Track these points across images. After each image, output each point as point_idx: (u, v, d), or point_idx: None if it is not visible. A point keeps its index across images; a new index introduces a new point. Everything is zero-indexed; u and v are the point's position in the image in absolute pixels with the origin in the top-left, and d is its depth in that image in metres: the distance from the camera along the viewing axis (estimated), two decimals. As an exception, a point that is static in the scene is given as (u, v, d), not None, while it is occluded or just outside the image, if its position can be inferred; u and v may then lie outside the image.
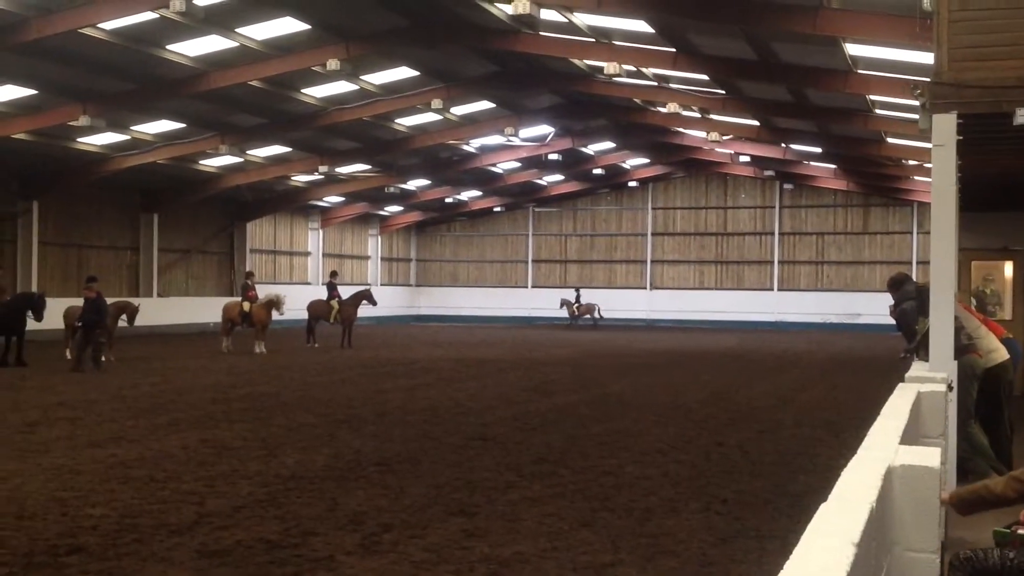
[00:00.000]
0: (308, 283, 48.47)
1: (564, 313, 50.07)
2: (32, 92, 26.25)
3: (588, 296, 51.13)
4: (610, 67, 24.16)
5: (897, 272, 12.31)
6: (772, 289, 52.23)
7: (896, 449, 3.29)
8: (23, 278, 33.76)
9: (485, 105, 33.84)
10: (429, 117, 34.15)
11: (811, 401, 18.04)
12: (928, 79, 8.01)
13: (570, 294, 50.95)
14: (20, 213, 34.28)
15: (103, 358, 22.51)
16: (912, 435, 4.83)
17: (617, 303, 54.00)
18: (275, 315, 28.92)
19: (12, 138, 28.73)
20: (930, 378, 6.65)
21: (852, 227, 51.12)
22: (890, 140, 30.83)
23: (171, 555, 7.08)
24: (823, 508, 2.35)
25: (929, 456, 3.19)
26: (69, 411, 14.95)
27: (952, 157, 7.83)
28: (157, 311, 37.71)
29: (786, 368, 25.47)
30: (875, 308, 47.11)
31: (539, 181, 50.52)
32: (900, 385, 6.30)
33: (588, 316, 49.17)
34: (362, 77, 28.35)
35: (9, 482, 9.55)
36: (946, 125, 7.82)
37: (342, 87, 29.12)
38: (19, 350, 22.90)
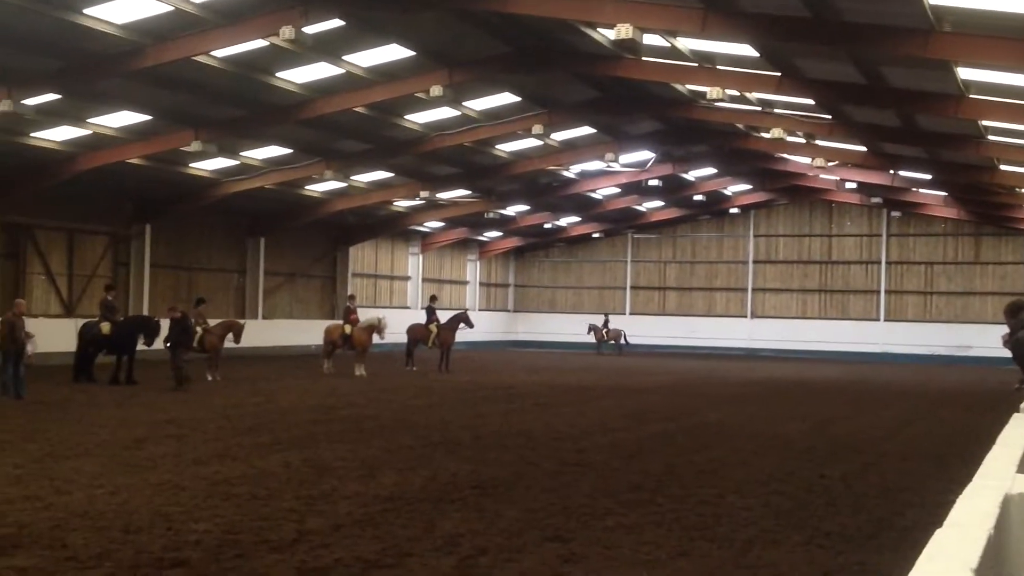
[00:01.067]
0: (407, 307, 48.99)
1: (592, 339, 49.90)
2: (147, 118, 27.15)
3: (616, 322, 50.99)
4: (713, 92, 23.95)
5: (1016, 299, 11.86)
6: (878, 319, 51.01)
7: (1013, 478, 3.16)
8: (135, 299, 34.84)
9: (585, 131, 33.88)
10: (529, 143, 34.32)
11: (918, 434, 17.52)
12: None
13: (599, 319, 50.92)
14: (134, 236, 35.41)
15: (189, 376, 22.74)
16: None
17: (717, 332, 53.36)
18: (375, 339, 29.28)
19: (127, 163, 29.73)
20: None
21: (963, 256, 49.68)
22: (1003, 167, 29.91)
23: (271, 571, 7.18)
24: (938, 534, 2.27)
25: (1048, 487, 3.05)
26: (175, 429, 15.33)
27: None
28: (262, 333, 38.52)
29: (892, 400, 24.80)
30: (986, 340, 45.66)
31: (638, 207, 50.31)
32: (1015, 415, 6.08)
33: (614, 342, 49.06)
34: (464, 103, 28.66)
35: (117, 496, 9.82)
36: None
37: (444, 113, 29.47)
38: (129, 369, 23.59)
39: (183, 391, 21.81)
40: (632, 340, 53.95)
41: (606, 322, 50.08)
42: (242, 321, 27.76)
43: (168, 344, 23.01)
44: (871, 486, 11.69)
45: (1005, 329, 10.98)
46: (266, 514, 9.12)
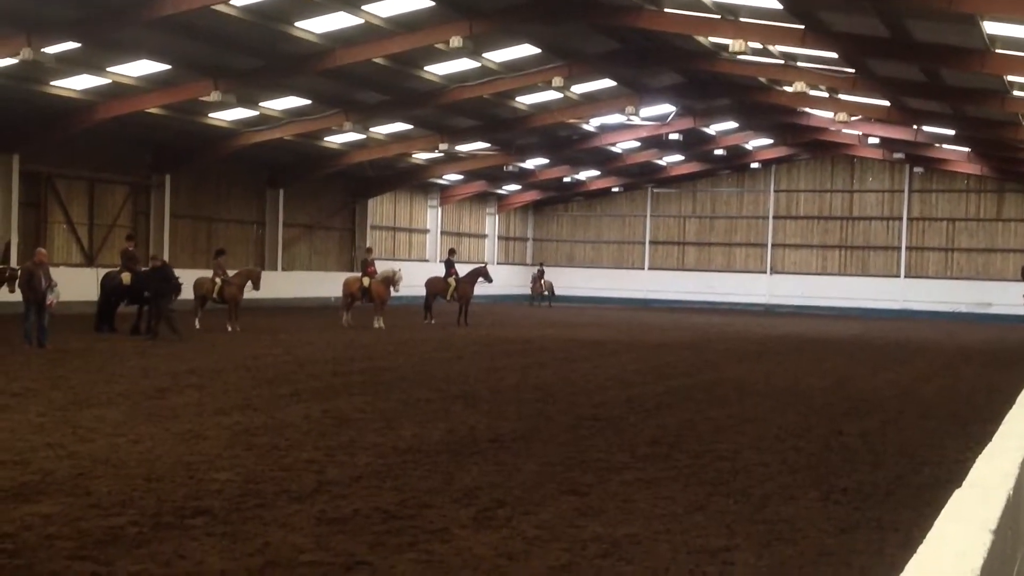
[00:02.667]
0: (426, 260, 49.06)
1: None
2: (166, 67, 27.09)
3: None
4: (736, 44, 23.69)
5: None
6: (899, 276, 50.78)
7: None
8: (155, 249, 34.94)
9: (606, 83, 33.62)
10: (549, 95, 34.10)
11: (937, 392, 17.48)
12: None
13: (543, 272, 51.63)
14: (154, 186, 35.50)
15: (176, 328, 22.42)
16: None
17: (736, 287, 53.26)
18: (393, 292, 29.35)
19: (147, 112, 29.74)
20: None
21: (985, 213, 49.28)
22: (1029, 123, 29.57)
23: (292, 521, 7.25)
24: (957, 494, 2.26)
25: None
26: (197, 379, 15.45)
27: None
28: (281, 284, 38.69)
29: (912, 358, 24.74)
30: (1008, 298, 45.49)
31: (658, 161, 50.01)
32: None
33: (548, 293, 49.78)
34: (483, 55, 28.46)
35: (140, 445, 9.92)
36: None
37: (464, 64, 29.28)
38: (149, 319, 23.70)
39: (179, 340, 21.72)
40: (651, 295, 53.97)
41: (541, 273, 50.64)
42: (259, 267, 27.79)
43: (148, 295, 22.83)
44: (889, 443, 11.68)
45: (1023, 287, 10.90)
46: (287, 464, 9.20)
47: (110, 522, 7.07)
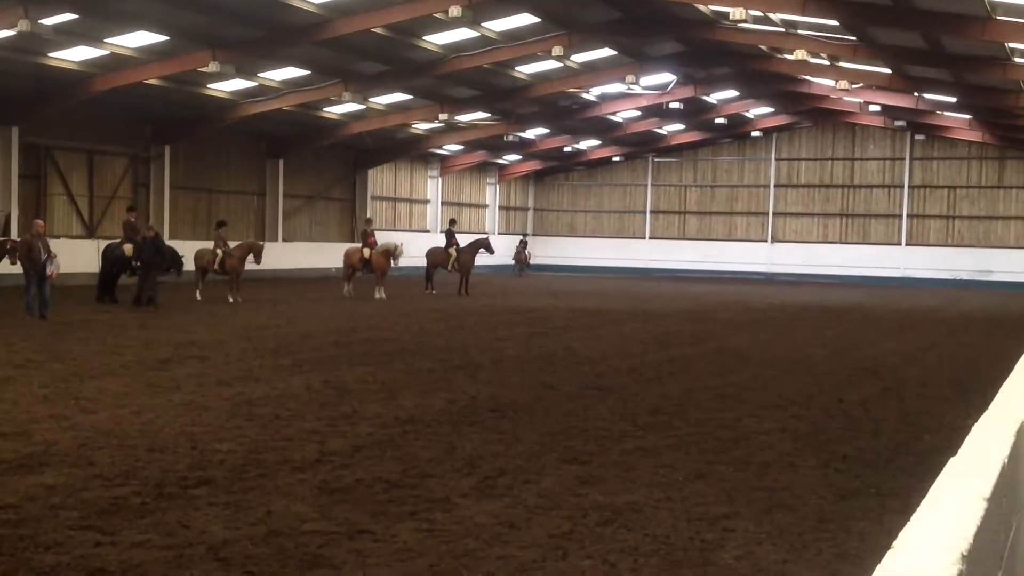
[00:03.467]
0: (427, 231, 49.00)
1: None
2: (164, 38, 26.93)
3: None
4: (736, 12, 23.54)
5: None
6: (900, 244, 50.72)
7: (1033, 407, 3.17)
8: (155, 221, 34.88)
9: (606, 52, 33.45)
10: (549, 65, 33.93)
11: (938, 360, 17.52)
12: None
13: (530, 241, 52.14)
14: (153, 157, 35.42)
15: (154, 299, 22.57)
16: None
17: (737, 256, 53.22)
18: (393, 264, 29.35)
19: (145, 83, 29.61)
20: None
21: (986, 180, 49.16)
22: (1031, 90, 29.45)
23: (294, 490, 7.29)
24: (952, 462, 2.28)
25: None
26: (199, 350, 15.48)
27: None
28: (282, 255, 38.67)
29: (913, 325, 24.77)
30: (1009, 265, 45.53)
31: (659, 130, 49.83)
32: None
33: (527, 264, 49.55)
34: (483, 24, 28.29)
35: (143, 416, 9.96)
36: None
37: (463, 34, 29.11)
38: (149, 290, 23.71)
39: (146, 311, 21.77)
40: (652, 264, 54.00)
41: (524, 243, 50.59)
42: (261, 242, 27.80)
43: (138, 263, 22.87)
44: (890, 410, 11.72)
45: None
46: (288, 435, 9.24)
47: (113, 492, 7.11)
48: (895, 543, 1.59)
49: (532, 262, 50.75)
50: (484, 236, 34.16)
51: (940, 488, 2.01)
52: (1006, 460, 2.26)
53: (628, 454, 8.84)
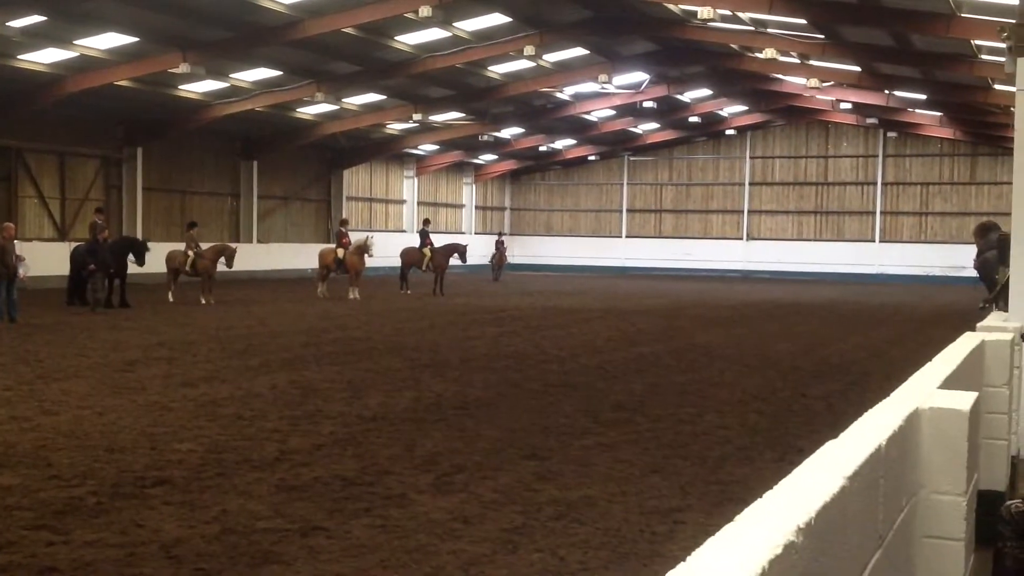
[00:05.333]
0: (403, 231, 49.00)
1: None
2: (134, 39, 26.86)
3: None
4: (704, 11, 23.73)
5: (986, 219, 11.96)
6: (873, 241, 51.07)
7: (933, 393, 3.26)
8: (128, 223, 34.84)
9: (579, 52, 33.56)
10: (522, 64, 34.02)
11: (905, 355, 17.64)
12: (1015, 21, 7.72)
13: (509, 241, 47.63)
14: (125, 159, 35.29)
15: (100, 300, 22.52)
16: (974, 383, 4.74)
17: (713, 254, 53.45)
18: (368, 261, 29.36)
19: (116, 85, 29.51)
20: (1003, 328, 6.50)
21: (958, 177, 49.57)
22: (997, 87, 29.71)
23: (251, 489, 7.32)
24: (828, 444, 2.35)
25: (960, 400, 3.15)
26: (167, 351, 15.47)
27: (1038, 101, 7.54)
28: (256, 256, 38.60)
29: (884, 321, 24.96)
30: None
31: (634, 129, 50.02)
32: (965, 334, 6.17)
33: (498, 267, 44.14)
34: (454, 24, 28.34)
35: (104, 417, 9.96)
36: (1033, 68, 7.54)
37: (434, 34, 29.17)
38: (122, 292, 23.68)
39: (113, 312, 21.78)
40: (629, 263, 54.16)
41: (501, 242, 45.38)
42: (234, 245, 27.74)
43: (97, 266, 22.64)
44: (851, 404, 11.82)
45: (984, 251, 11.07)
46: (250, 434, 9.27)
47: (69, 493, 7.13)
48: (737, 516, 1.66)
49: (509, 261, 50.00)
50: (463, 245, 33.86)
51: (806, 467, 2.08)
52: (883, 444, 2.33)
53: (587, 450, 8.91)
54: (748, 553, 1.45)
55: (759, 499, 1.82)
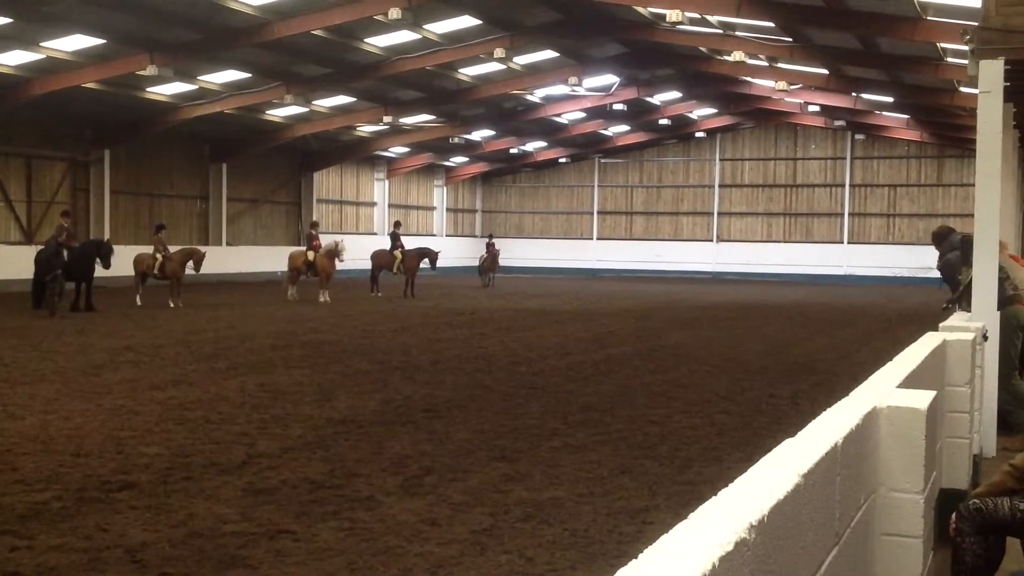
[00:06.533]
0: (374, 233, 48.87)
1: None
2: (100, 41, 26.68)
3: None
4: (672, 14, 23.82)
5: (940, 225, 12.15)
6: (842, 242, 51.47)
7: (891, 392, 3.30)
8: (95, 226, 34.56)
9: (549, 54, 33.62)
10: (492, 67, 34.03)
11: (872, 355, 17.78)
12: (978, 24, 7.81)
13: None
14: (93, 162, 35.01)
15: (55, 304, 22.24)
16: (935, 382, 4.79)
17: (683, 256, 53.68)
18: (339, 264, 29.27)
19: (83, 87, 29.27)
20: (965, 328, 6.58)
21: (926, 179, 50.05)
22: (962, 89, 30.02)
23: (218, 492, 7.29)
24: (785, 443, 2.38)
25: (918, 398, 3.19)
26: (134, 355, 15.35)
27: (999, 104, 7.65)
28: (226, 259, 38.39)
29: (851, 322, 25.15)
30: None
31: (604, 132, 50.17)
32: (927, 334, 6.24)
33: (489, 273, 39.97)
34: (424, 26, 28.33)
35: (71, 421, 9.88)
36: (993, 71, 7.63)
37: (404, 36, 29.14)
38: (88, 295, 23.48)
39: (48, 316, 21.56)
40: (600, 265, 54.29)
41: (492, 244, 41.56)
42: (203, 249, 27.54)
43: (62, 271, 22.42)
44: (818, 404, 11.88)
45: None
46: (217, 438, 9.22)
47: (34, 497, 7.06)
48: (691, 515, 1.68)
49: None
50: (435, 251, 33.54)
51: (762, 465, 2.10)
52: (839, 442, 2.36)
53: (556, 451, 8.93)
54: (699, 550, 1.47)
55: (713, 497, 1.84)
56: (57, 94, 29.20)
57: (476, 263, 42.34)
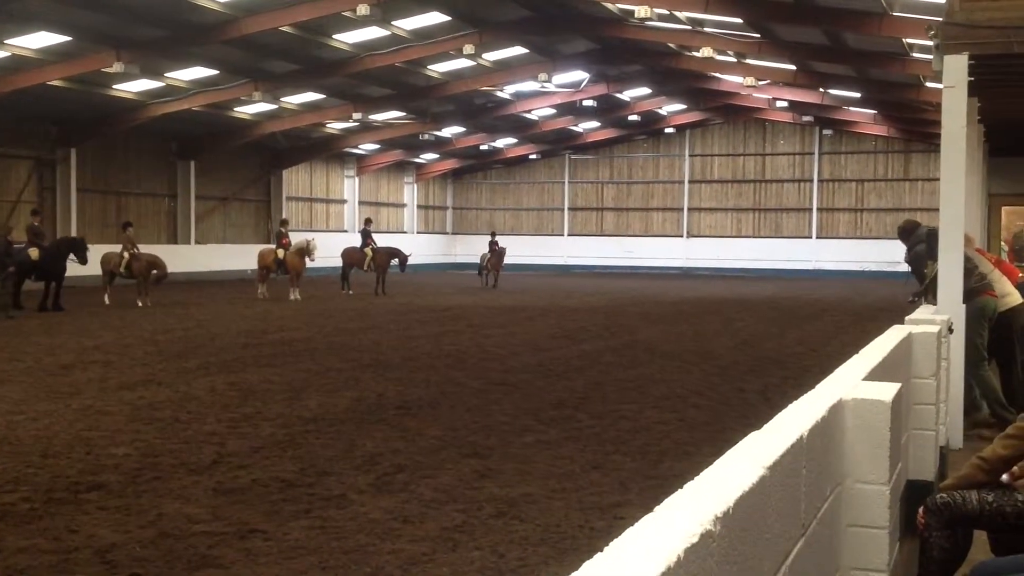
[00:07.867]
0: (344, 231, 48.70)
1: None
2: (66, 38, 26.41)
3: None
4: (641, 10, 23.90)
5: (905, 220, 12.28)
6: (810, 237, 51.80)
7: (857, 384, 3.34)
8: (62, 225, 34.24)
9: (518, 51, 33.62)
10: (462, 63, 34.00)
11: (841, 348, 17.91)
12: (942, 19, 7.90)
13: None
14: (59, 160, 34.67)
15: (8, 304, 21.88)
16: (902, 374, 4.85)
17: (653, 251, 53.86)
18: (309, 262, 29.15)
19: (48, 85, 28.98)
20: (931, 320, 6.66)
21: (893, 174, 50.45)
22: (929, 84, 30.30)
23: (188, 492, 7.25)
24: (751, 436, 2.40)
25: (883, 391, 3.22)
26: (103, 355, 15.23)
27: (963, 99, 7.74)
28: (195, 258, 38.14)
29: (820, 316, 25.34)
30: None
31: (574, 128, 50.24)
32: (893, 327, 6.30)
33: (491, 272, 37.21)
34: (393, 23, 28.25)
35: (39, 422, 9.79)
36: (957, 66, 7.72)
37: (373, 33, 29.04)
38: (56, 295, 23.29)
39: (4, 318, 21.19)
40: (571, 261, 54.36)
41: (496, 242, 38.68)
42: (168, 269, 26.38)
43: (15, 270, 22.09)
44: (788, 398, 11.91)
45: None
46: (187, 437, 9.17)
47: (1, 499, 7.00)
48: (657, 507, 1.70)
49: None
50: (406, 254, 32.68)
51: (728, 458, 2.12)
52: (805, 434, 2.38)
53: (528, 447, 8.95)
54: (665, 542, 1.48)
55: (679, 489, 1.85)
56: (22, 92, 28.87)
57: (462, 261, 42.03)
